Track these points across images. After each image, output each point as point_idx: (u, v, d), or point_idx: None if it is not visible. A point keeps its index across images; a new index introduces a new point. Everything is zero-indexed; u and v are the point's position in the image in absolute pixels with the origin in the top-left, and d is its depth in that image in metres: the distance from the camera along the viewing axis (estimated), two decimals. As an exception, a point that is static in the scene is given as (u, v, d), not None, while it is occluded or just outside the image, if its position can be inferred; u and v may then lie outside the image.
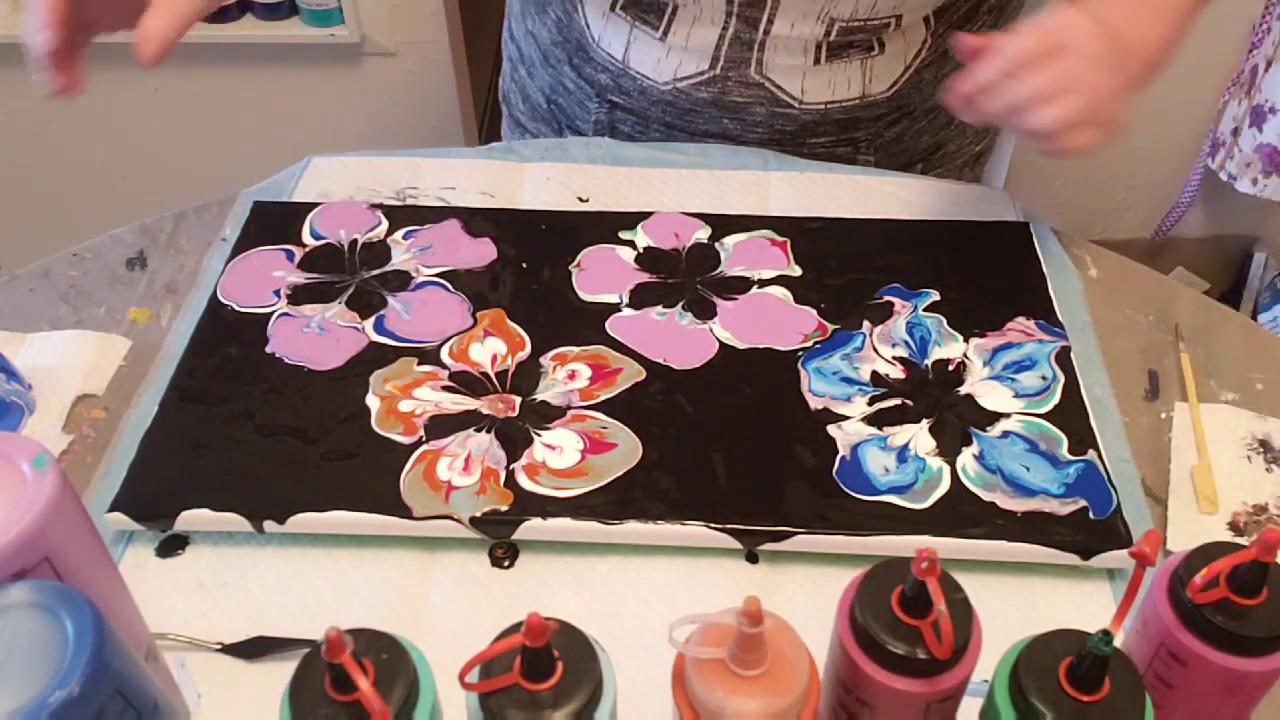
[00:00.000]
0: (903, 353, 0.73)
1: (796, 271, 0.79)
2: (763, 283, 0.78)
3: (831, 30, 0.82)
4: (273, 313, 0.75)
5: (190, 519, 0.63)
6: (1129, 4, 0.72)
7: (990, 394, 0.70)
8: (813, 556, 0.63)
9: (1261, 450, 0.69)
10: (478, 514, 0.63)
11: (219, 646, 0.59)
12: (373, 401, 0.69)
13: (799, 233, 0.82)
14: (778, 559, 0.63)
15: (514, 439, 0.67)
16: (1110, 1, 0.72)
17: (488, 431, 0.67)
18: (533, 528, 0.63)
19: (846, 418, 0.68)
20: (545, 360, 0.72)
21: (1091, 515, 0.63)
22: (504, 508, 0.63)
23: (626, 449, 0.66)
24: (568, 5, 0.92)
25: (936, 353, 0.73)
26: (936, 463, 0.66)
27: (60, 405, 0.71)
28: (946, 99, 0.71)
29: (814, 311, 0.76)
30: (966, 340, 0.74)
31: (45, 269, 0.82)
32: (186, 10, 0.67)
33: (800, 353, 0.73)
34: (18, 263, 0.83)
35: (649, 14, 0.86)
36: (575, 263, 0.80)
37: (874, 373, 0.71)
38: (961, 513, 0.63)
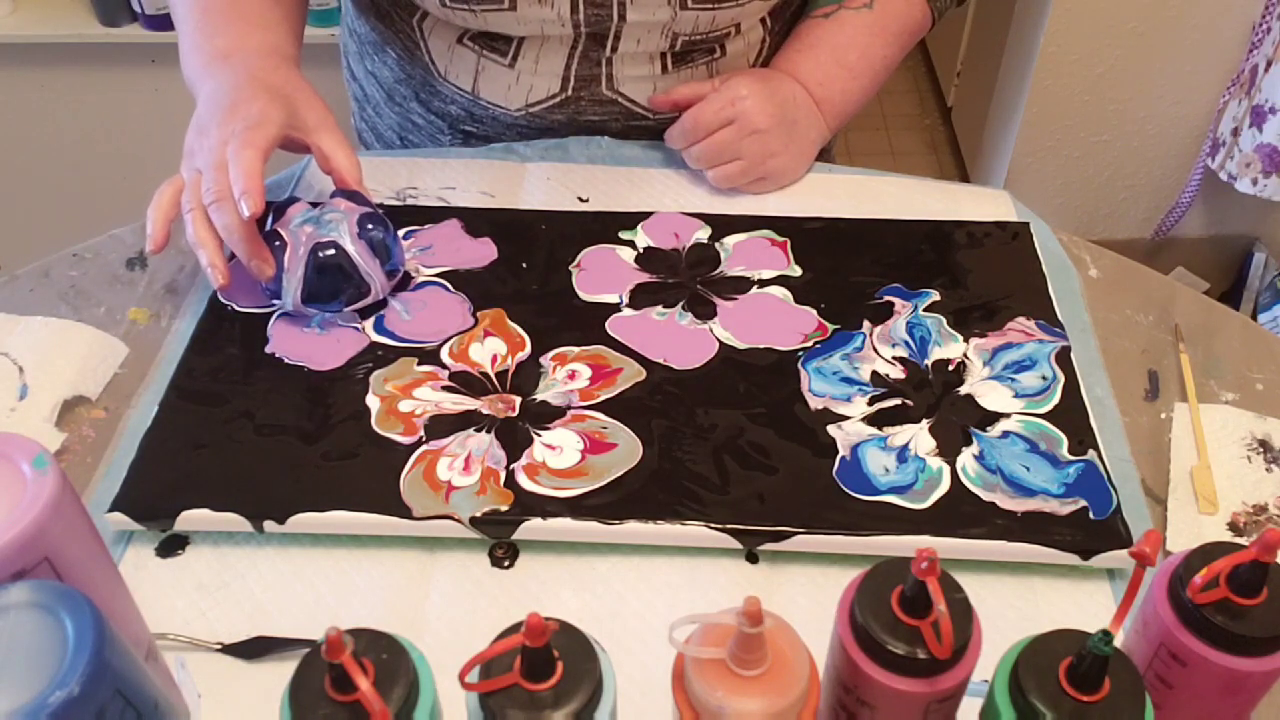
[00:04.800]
0: (903, 353, 0.73)
1: (796, 271, 0.79)
2: (763, 283, 0.78)
3: (675, 43, 0.86)
4: (273, 312, 0.75)
5: (190, 519, 0.63)
6: (825, 64, 0.88)
7: (990, 394, 0.70)
8: (813, 556, 0.63)
9: (1261, 450, 0.69)
10: (478, 514, 0.63)
11: (219, 646, 0.59)
12: (373, 401, 0.69)
13: (799, 233, 0.82)
14: (778, 559, 0.63)
15: (514, 439, 0.67)
16: (808, 63, 0.88)
17: (488, 431, 0.67)
18: (533, 528, 0.63)
19: (846, 418, 0.68)
20: (545, 360, 0.72)
21: (1091, 515, 0.63)
22: (504, 508, 0.63)
23: (626, 449, 0.66)
24: (408, 43, 0.92)
25: (936, 353, 0.73)
26: (936, 463, 0.66)
27: (53, 396, 0.71)
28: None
29: (814, 311, 0.76)
30: (966, 340, 0.74)
31: (45, 269, 0.82)
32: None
33: (800, 353, 0.73)
34: (18, 263, 0.83)
35: (497, 42, 0.87)
36: (575, 263, 0.79)
37: (874, 373, 0.71)
38: (961, 513, 0.63)
